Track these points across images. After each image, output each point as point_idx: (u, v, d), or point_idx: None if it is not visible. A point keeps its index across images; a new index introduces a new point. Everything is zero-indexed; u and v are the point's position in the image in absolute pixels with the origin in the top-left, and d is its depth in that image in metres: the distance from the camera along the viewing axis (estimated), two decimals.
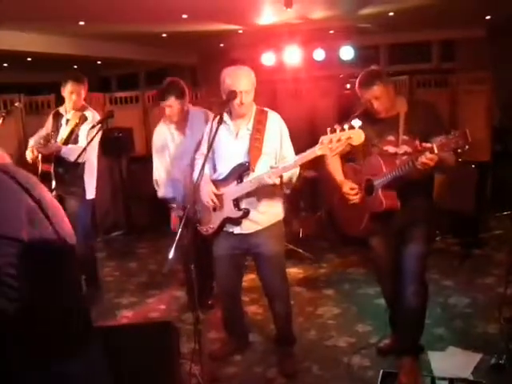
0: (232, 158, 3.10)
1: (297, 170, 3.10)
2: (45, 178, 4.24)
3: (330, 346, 3.58)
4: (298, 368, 3.30)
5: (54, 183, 4.26)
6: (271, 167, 2.93)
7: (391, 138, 3.00)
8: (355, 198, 3.11)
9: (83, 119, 4.23)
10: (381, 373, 3.00)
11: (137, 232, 6.58)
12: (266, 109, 3.18)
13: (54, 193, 4.21)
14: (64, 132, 4.27)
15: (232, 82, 3.02)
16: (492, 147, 6.33)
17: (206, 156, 2.86)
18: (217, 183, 3.14)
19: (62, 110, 4.44)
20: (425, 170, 2.69)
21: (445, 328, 3.70)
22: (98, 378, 1.66)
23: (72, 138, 4.22)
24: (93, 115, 4.35)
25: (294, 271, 4.94)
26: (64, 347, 1.50)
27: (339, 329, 3.82)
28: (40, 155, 4.21)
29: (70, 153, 4.11)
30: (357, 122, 2.56)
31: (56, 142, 4.24)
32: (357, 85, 3.03)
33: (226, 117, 3.09)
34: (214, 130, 2.89)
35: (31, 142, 4.43)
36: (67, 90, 4.31)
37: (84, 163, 4.32)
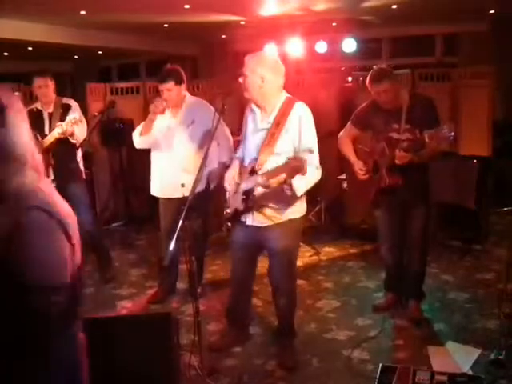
0: (251, 149, 3.13)
1: (315, 174, 3.00)
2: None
3: (329, 339, 3.59)
4: (298, 361, 3.30)
5: (51, 175, 4.32)
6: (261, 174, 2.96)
7: (395, 125, 3.53)
8: (365, 176, 3.71)
9: (66, 108, 4.37)
10: (380, 366, 3.00)
11: (136, 223, 6.56)
12: (295, 99, 3.10)
13: (54, 184, 4.27)
14: (54, 124, 4.27)
15: (245, 61, 3.05)
16: (493, 142, 6.31)
17: (210, 143, 2.94)
18: (241, 171, 3.18)
19: (37, 106, 4.47)
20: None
21: (444, 323, 3.70)
22: None
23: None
24: (74, 102, 4.51)
25: None
26: None
27: (339, 322, 3.82)
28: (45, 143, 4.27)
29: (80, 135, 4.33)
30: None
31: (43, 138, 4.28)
32: (368, 80, 3.57)
33: (254, 106, 3.13)
34: (247, 117, 3.07)
35: None
36: (35, 85, 4.38)
37: (78, 147, 4.45)
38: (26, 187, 1.30)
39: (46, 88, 4.36)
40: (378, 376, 2.93)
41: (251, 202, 3.03)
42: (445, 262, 4.83)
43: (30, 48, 8.90)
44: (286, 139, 3.00)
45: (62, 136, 4.17)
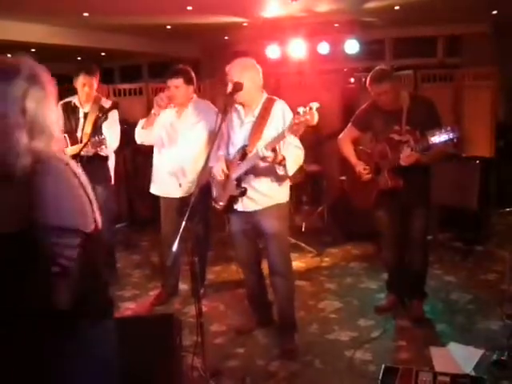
0: (238, 142, 3.31)
1: (300, 154, 3.19)
2: None
3: (331, 340, 3.59)
4: (300, 362, 3.30)
5: None
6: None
7: (396, 127, 3.52)
8: (367, 177, 3.69)
9: (102, 111, 4.24)
10: (383, 367, 3.00)
11: (139, 224, 6.57)
12: (275, 97, 3.32)
13: None
14: (87, 126, 4.26)
15: (227, 71, 3.21)
16: (496, 143, 6.31)
17: (213, 143, 3.07)
18: (228, 164, 3.35)
19: (75, 101, 4.38)
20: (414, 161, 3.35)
21: (446, 324, 3.70)
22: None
23: (96, 131, 4.14)
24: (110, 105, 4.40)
25: (296, 265, 4.92)
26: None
27: (341, 323, 3.82)
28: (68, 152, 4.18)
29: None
30: (315, 104, 2.74)
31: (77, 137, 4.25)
32: (368, 80, 3.56)
33: (237, 105, 3.31)
34: (231, 117, 3.29)
35: None
36: (79, 82, 4.29)
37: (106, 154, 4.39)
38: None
39: (89, 87, 4.30)
40: (380, 377, 2.94)
41: (244, 185, 3.25)
42: (447, 263, 4.83)
43: (32, 49, 8.91)
44: (271, 128, 3.21)
45: (85, 153, 4.04)
